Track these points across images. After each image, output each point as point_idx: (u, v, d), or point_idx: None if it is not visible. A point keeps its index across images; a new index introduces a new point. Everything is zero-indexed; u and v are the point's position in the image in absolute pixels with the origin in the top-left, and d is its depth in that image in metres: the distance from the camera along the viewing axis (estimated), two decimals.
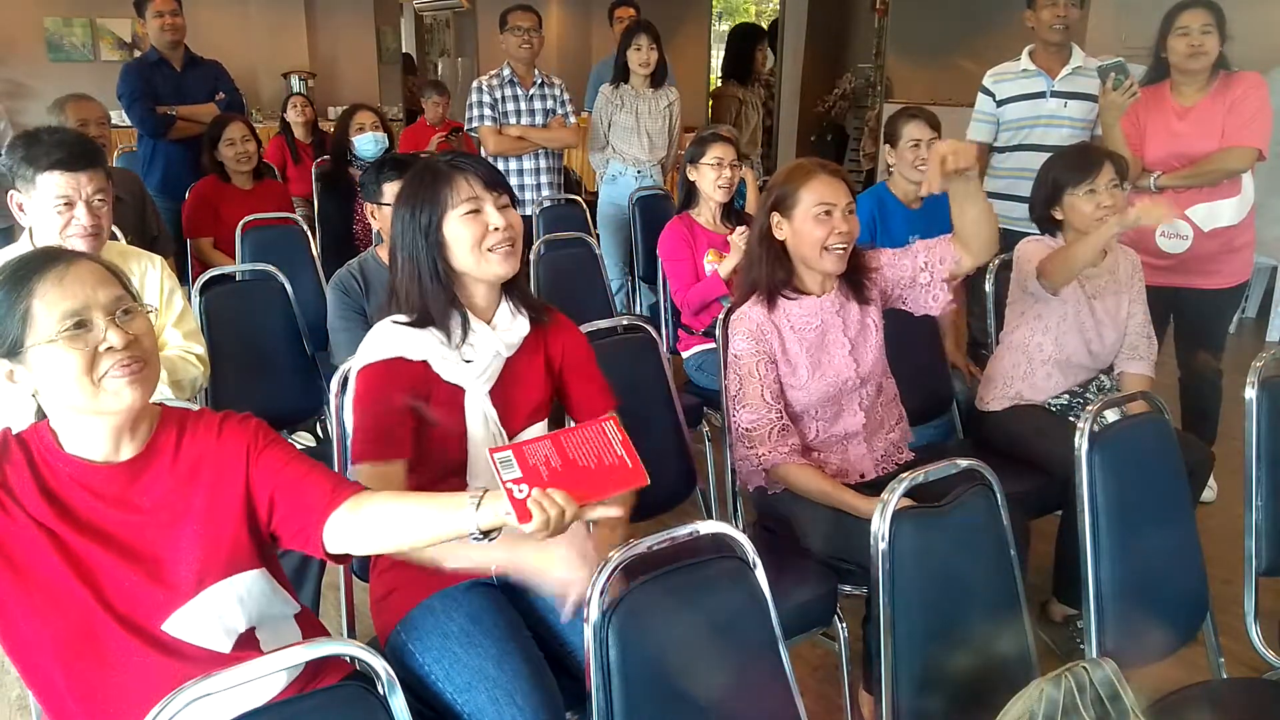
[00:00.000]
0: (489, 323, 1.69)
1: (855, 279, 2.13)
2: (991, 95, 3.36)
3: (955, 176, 1.93)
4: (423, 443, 1.63)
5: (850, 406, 2.13)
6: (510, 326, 1.70)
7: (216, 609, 1.30)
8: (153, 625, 1.26)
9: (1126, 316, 2.53)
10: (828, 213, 2.00)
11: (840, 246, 2.02)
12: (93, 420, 1.24)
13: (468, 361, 1.65)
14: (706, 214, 3.18)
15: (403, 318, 1.65)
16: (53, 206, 1.96)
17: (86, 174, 1.98)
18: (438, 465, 1.65)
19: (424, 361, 1.63)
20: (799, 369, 2.07)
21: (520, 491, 1.17)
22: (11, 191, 1.99)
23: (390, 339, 1.63)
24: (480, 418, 1.66)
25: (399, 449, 1.60)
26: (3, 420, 1.30)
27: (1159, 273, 3.00)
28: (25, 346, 1.18)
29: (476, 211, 1.61)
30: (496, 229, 1.61)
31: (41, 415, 1.28)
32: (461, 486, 1.64)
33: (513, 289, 1.73)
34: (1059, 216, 2.46)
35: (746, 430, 2.06)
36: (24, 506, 1.22)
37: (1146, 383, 2.53)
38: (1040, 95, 3.27)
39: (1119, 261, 2.53)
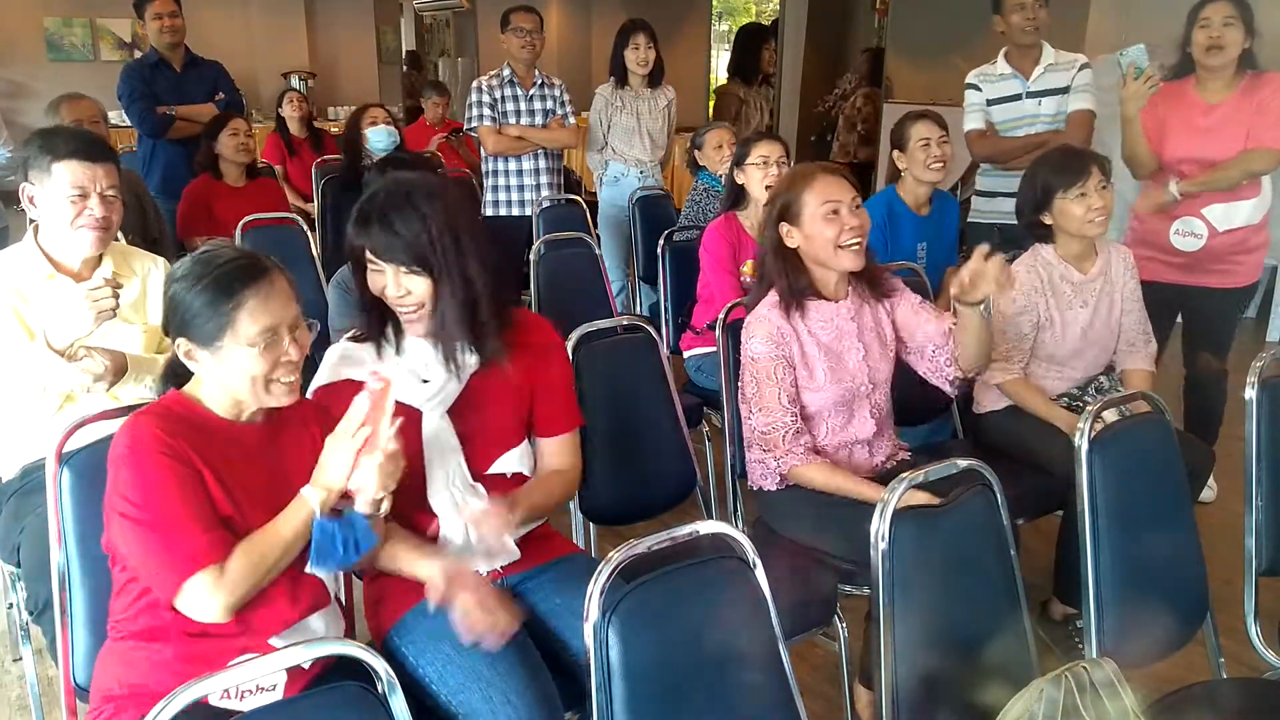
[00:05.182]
0: None
1: (873, 279, 2.13)
2: (978, 89, 3.41)
3: (967, 306, 1.96)
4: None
5: (861, 412, 2.12)
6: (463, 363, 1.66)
7: None
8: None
9: (1121, 315, 2.53)
10: (835, 211, 2.00)
11: (854, 241, 2.01)
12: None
13: (425, 381, 1.63)
14: (755, 217, 3.02)
15: (353, 332, 1.68)
16: (67, 196, 1.96)
17: (103, 167, 1.99)
18: (403, 486, 1.55)
19: None
20: (815, 372, 2.06)
21: None
22: (24, 184, 1.99)
23: (336, 361, 1.64)
24: (437, 440, 1.63)
25: None
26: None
27: (1171, 270, 3.00)
28: (223, 343, 1.36)
29: (380, 272, 1.60)
30: (399, 297, 1.59)
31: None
32: (428, 508, 1.63)
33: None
34: (1048, 221, 2.45)
35: (763, 434, 2.05)
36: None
37: (1148, 377, 2.52)
38: (1018, 97, 3.32)
39: (1111, 262, 2.53)
